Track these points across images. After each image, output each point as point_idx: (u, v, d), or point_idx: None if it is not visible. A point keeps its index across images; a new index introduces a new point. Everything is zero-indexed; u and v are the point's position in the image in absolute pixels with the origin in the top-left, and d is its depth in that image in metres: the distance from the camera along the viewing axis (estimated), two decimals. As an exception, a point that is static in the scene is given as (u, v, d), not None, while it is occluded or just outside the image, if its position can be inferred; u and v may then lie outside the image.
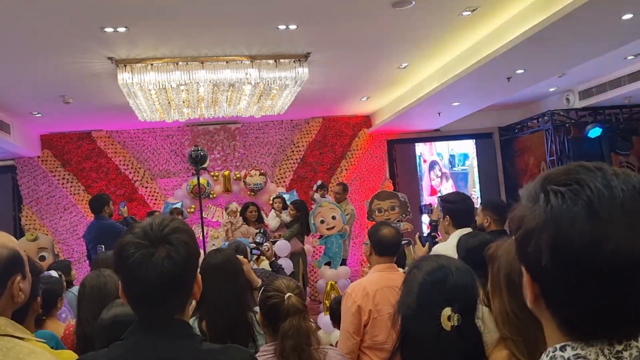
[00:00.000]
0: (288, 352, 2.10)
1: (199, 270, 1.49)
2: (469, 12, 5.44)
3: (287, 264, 6.67)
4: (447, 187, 11.55)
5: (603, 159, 9.55)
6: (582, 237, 0.77)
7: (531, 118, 10.55)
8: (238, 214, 7.94)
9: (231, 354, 1.42)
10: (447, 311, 1.40)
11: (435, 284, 1.47)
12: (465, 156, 11.83)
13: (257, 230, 5.69)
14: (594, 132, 9.47)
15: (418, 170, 11.56)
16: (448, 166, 11.76)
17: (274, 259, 5.50)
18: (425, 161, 11.69)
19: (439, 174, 11.68)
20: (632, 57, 7.58)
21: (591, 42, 5.72)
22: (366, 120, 10.82)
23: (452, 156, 11.80)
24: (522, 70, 6.63)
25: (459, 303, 1.42)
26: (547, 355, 0.86)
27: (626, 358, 0.80)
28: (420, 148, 11.66)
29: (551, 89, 9.57)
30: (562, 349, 0.84)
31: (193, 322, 2.93)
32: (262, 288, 2.35)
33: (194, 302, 3.14)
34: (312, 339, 2.17)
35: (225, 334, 2.60)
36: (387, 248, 3.24)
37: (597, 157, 9.52)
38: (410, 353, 1.46)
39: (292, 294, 2.21)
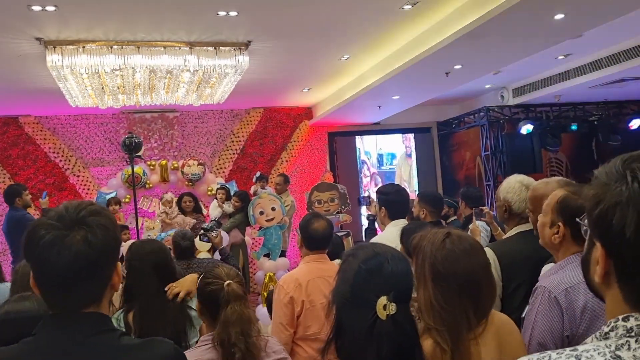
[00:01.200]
0: (234, 338, 2.04)
1: (124, 260, 1.39)
2: (409, 6, 5.50)
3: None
4: (377, 185, 11.74)
5: (534, 155, 9.94)
6: None
7: (468, 114, 10.83)
8: (174, 204, 7.75)
9: (153, 348, 1.32)
10: (382, 300, 1.38)
11: (370, 272, 1.45)
12: (393, 155, 12.01)
13: (212, 220, 5.60)
14: (526, 129, 9.81)
15: (358, 162, 11.65)
16: (376, 165, 11.91)
17: (222, 246, 5.43)
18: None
19: (368, 174, 11.81)
20: (563, 56, 7.89)
21: (525, 41, 5.90)
22: (307, 112, 10.79)
23: (380, 155, 11.95)
24: (460, 66, 6.78)
25: (395, 292, 1.41)
26: (607, 326, 0.88)
27: None
28: (357, 144, 11.75)
29: (487, 86, 9.85)
30: (625, 319, 0.86)
31: (119, 314, 2.81)
32: (201, 275, 2.28)
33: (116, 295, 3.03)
34: (254, 326, 2.13)
35: (153, 327, 2.50)
36: (318, 242, 3.21)
37: (529, 153, 9.91)
38: (345, 343, 1.43)
39: (232, 281, 2.16)
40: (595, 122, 10.52)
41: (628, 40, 7.30)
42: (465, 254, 1.71)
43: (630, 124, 10.51)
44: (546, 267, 2.32)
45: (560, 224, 2.03)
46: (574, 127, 10.36)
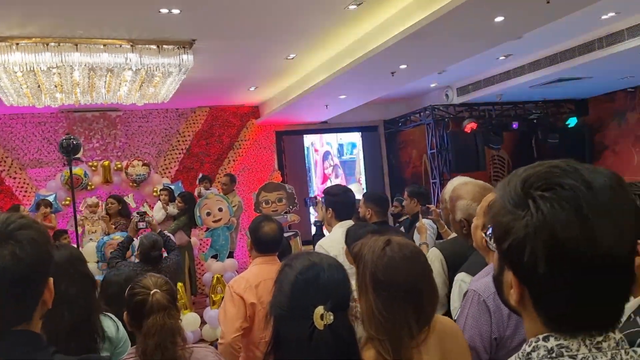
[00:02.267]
0: (150, 350, 1.99)
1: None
2: (355, 6, 5.52)
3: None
4: (339, 176, 11.82)
5: (477, 153, 10.19)
6: (576, 241, 0.79)
7: (413, 112, 11.00)
8: (99, 208, 7.61)
9: None
10: (319, 310, 1.36)
11: (307, 282, 1.43)
12: (354, 145, 12.12)
13: (138, 214, 5.51)
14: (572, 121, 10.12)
15: (306, 161, 11.65)
16: (337, 155, 11.98)
17: (160, 229, 5.37)
18: (317, 151, 11.81)
19: (332, 163, 11.87)
20: (503, 57, 8.12)
21: (467, 41, 6.02)
22: (254, 111, 10.70)
23: (340, 145, 12.03)
24: (405, 66, 6.86)
25: (332, 301, 1.39)
26: (529, 345, 0.88)
27: (605, 348, 0.84)
28: (311, 138, 11.75)
29: (432, 85, 10.03)
30: (545, 339, 0.86)
31: None
32: (129, 286, 2.20)
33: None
34: (178, 337, 2.06)
35: (65, 339, 2.37)
36: (268, 245, 3.19)
37: (473, 151, 10.15)
38: (283, 354, 1.41)
39: (158, 290, 2.09)
40: (535, 121, 10.88)
41: (565, 42, 7.57)
42: (406, 261, 1.68)
43: (567, 123, 10.95)
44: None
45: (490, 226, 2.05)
46: (514, 126, 10.68)
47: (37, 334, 1.25)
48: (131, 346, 2.44)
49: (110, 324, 2.57)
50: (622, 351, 0.85)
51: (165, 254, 4.95)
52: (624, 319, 1.47)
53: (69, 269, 2.52)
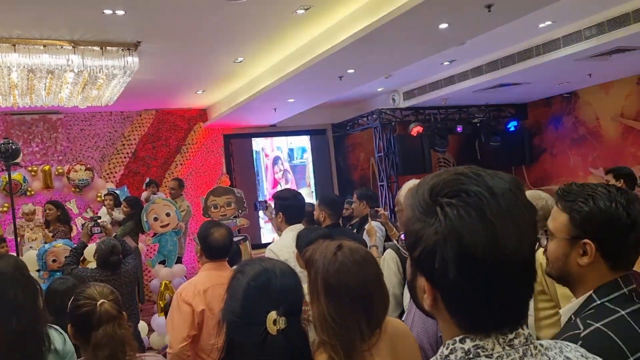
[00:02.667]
0: None
1: None
2: (303, 11, 5.55)
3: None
4: (289, 181, 11.81)
5: (424, 156, 10.42)
6: (483, 245, 0.83)
7: (361, 116, 11.14)
8: (36, 215, 7.37)
9: None
10: (272, 315, 1.38)
11: (259, 288, 1.44)
12: (304, 149, 12.15)
13: (92, 219, 5.38)
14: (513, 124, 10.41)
15: (255, 165, 11.60)
16: (287, 160, 11.98)
17: (115, 233, 5.25)
18: (267, 156, 11.77)
19: (282, 168, 11.85)
20: (448, 62, 8.35)
21: (413, 47, 6.16)
22: (202, 114, 10.57)
23: (290, 150, 12.04)
24: (353, 70, 6.94)
25: (284, 306, 1.40)
26: (446, 348, 0.91)
27: (516, 345, 0.88)
28: (261, 143, 11.71)
29: (379, 89, 10.18)
30: (462, 341, 0.89)
31: None
32: (72, 297, 2.14)
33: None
34: (127, 346, 2.03)
35: (10, 348, 2.29)
36: (218, 252, 3.17)
37: (419, 154, 10.37)
38: None
39: (105, 300, 2.04)
40: (478, 124, 11.22)
41: (505, 48, 7.85)
42: (357, 266, 1.69)
43: (508, 126, 11.35)
44: None
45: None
46: (459, 129, 10.98)
47: None
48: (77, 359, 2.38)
49: (57, 336, 2.49)
50: (532, 346, 0.90)
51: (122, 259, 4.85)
52: (564, 320, 1.54)
53: (16, 275, 2.43)
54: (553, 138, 11.13)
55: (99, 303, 2.02)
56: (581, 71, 8.45)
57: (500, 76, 8.28)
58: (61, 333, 2.47)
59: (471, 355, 0.88)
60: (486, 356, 0.87)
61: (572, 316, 1.50)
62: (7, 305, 2.42)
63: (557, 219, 1.56)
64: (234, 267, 3.34)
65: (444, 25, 5.36)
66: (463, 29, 5.65)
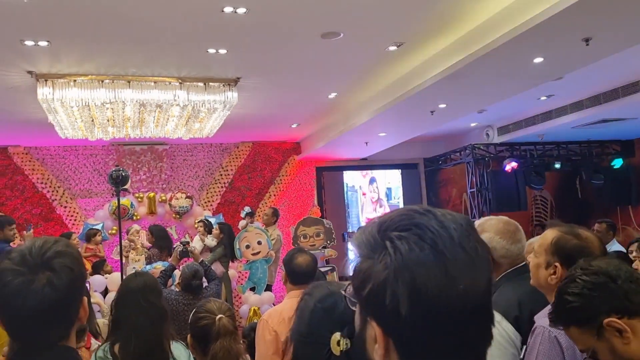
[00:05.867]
0: None
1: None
2: (395, 47, 5.66)
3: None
4: (383, 206, 11.87)
5: (519, 193, 10.07)
6: (435, 279, 0.78)
7: (454, 151, 10.99)
8: (140, 236, 7.88)
9: None
10: (336, 336, 1.43)
11: (325, 310, 1.50)
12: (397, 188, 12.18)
13: (181, 244, 5.68)
14: (510, 166, 9.96)
15: (345, 197, 11.73)
16: (385, 199, 12.04)
17: (202, 259, 5.50)
18: (364, 194, 11.90)
19: (377, 190, 11.89)
20: (545, 97, 8.09)
21: (506, 82, 6.07)
22: (296, 147, 10.91)
23: (388, 189, 12.07)
24: (445, 105, 6.94)
25: (349, 328, 1.46)
26: None
27: None
28: (355, 178, 11.84)
29: (472, 124, 10.04)
30: None
31: (105, 346, 2.83)
32: (194, 310, 2.31)
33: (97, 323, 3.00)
34: None
35: None
36: (301, 277, 3.22)
37: (514, 191, 10.04)
38: None
39: (223, 316, 2.19)
40: (578, 161, 10.70)
41: (608, 82, 7.51)
42: None
43: (612, 163, 10.72)
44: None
45: (557, 264, 2.04)
46: (557, 166, 10.53)
47: (72, 348, 1.35)
48: None
49: (183, 350, 2.71)
50: None
51: (205, 284, 5.07)
52: None
53: (139, 299, 2.72)
54: (663, 177, 10.38)
55: (217, 317, 2.18)
56: (694, 106, 7.90)
57: (602, 111, 7.92)
58: (185, 347, 2.67)
59: None
60: None
61: None
62: (128, 326, 2.70)
63: (575, 338, 1.59)
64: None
65: (538, 60, 5.25)
66: (559, 63, 5.51)
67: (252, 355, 3.22)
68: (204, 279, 5.08)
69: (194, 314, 2.27)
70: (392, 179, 12.10)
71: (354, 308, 0.92)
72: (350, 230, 10.44)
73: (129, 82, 6.05)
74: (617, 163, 10.69)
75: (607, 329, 1.49)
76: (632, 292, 1.49)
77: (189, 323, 2.28)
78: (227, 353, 2.10)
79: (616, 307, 1.48)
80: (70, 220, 9.58)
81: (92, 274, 6.94)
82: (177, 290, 5.01)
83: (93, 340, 3.62)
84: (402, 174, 12.03)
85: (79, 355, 1.36)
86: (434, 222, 0.82)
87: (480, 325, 0.83)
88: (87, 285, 4.59)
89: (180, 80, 6.22)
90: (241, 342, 2.24)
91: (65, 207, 9.62)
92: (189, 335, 2.29)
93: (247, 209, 8.99)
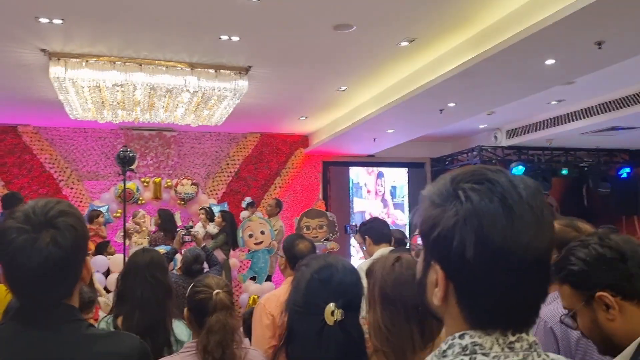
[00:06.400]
0: (212, 346, 2.09)
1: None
2: (406, 43, 5.66)
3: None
4: (387, 205, 11.87)
5: (524, 196, 10.01)
6: (501, 229, 0.83)
7: (461, 152, 10.97)
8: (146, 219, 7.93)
9: (119, 339, 1.38)
10: (330, 306, 1.46)
11: (321, 281, 1.53)
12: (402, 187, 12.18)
13: (185, 228, 5.72)
14: (518, 170, 9.94)
15: (350, 193, 11.74)
16: (389, 197, 12.05)
17: (204, 244, 5.53)
18: (369, 192, 11.91)
19: (383, 185, 11.90)
20: (555, 102, 8.07)
21: (517, 83, 6.05)
22: (303, 140, 10.93)
23: (393, 187, 12.07)
24: (454, 104, 6.93)
25: (343, 299, 1.48)
26: (445, 343, 0.90)
27: (517, 349, 0.87)
28: (363, 178, 11.86)
29: (481, 126, 10.02)
30: (461, 337, 0.88)
31: (109, 319, 2.88)
32: (192, 284, 2.34)
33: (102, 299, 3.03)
34: (236, 336, 2.18)
35: (140, 334, 2.54)
36: None
37: (519, 194, 9.97)
38: (295, 348, 1.50)
39: (220, 290, 2.22)
40: (586, 169, 10.66)
41: (619, 89, 7.48)
42: (413, 278, 1.73)
43: (620, 172, 10.67)
44: None
45: (555, 256, 2.07)
46: (564, 172, 10.49)
47: (74, 306, 1.37)
48: None
49: (184, 329, 2.75)
50: (535, 353, 0.88)
51: (207, 269, 5.10)
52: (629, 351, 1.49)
53: (145, 274, 2.77)
54: (671, 189, 10.32)
55: (214, 292, 2.20)
56: None
57: (612, 118, 7.88)
58: (186, 326, 2.71)
59: (468, 352, 0.86)
60: (483, 354, 0.86)
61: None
62: (133, 300, 2.74)
63: (564, 295, 1.57)
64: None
65: (550, 62, 5.24)
66: (570, 66, 5.48)
67: (250, 339, 3.25)
68: (205, 264, 5.12)
69: (191, 288, 2.29)
70: (397, 177, 12.09)
71: (416, 258, 1.00)
72: (353, 222, 10.44)
73: (140, 65, 6.08)
74: (625, 172, 10.65)
75: (597, 301, 1.49)
76: (637, 277, 1.48)
77: (187, 297, 2.31)
78: (222, 327, 2.12)
79: (615, 285, 1.48)
80: (76, 201, 9.63)
81: (95, 255, 6.99)
82: (178, 273, 5.05)
83: (101, 313, 3.70)
84: (408, 172, 12.02)
85: (79, 313, 1.38)
86: (505, 180, 0.88)
87: (538, 279, 0.88)
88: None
89: (191, 66, 6.24)
90: (238, 318, 2.25)
91: (72, 188, 9.68)
92: (185, 309, 2.32)
93: (247, 199, 9.03)
